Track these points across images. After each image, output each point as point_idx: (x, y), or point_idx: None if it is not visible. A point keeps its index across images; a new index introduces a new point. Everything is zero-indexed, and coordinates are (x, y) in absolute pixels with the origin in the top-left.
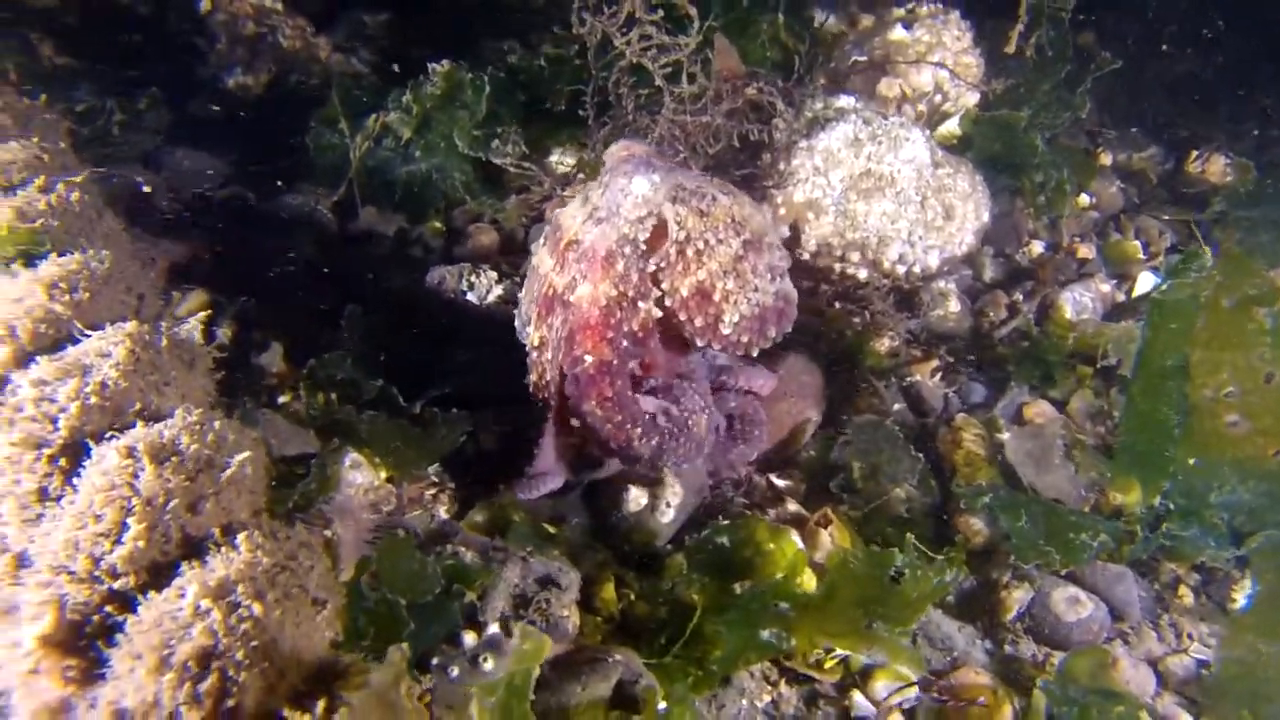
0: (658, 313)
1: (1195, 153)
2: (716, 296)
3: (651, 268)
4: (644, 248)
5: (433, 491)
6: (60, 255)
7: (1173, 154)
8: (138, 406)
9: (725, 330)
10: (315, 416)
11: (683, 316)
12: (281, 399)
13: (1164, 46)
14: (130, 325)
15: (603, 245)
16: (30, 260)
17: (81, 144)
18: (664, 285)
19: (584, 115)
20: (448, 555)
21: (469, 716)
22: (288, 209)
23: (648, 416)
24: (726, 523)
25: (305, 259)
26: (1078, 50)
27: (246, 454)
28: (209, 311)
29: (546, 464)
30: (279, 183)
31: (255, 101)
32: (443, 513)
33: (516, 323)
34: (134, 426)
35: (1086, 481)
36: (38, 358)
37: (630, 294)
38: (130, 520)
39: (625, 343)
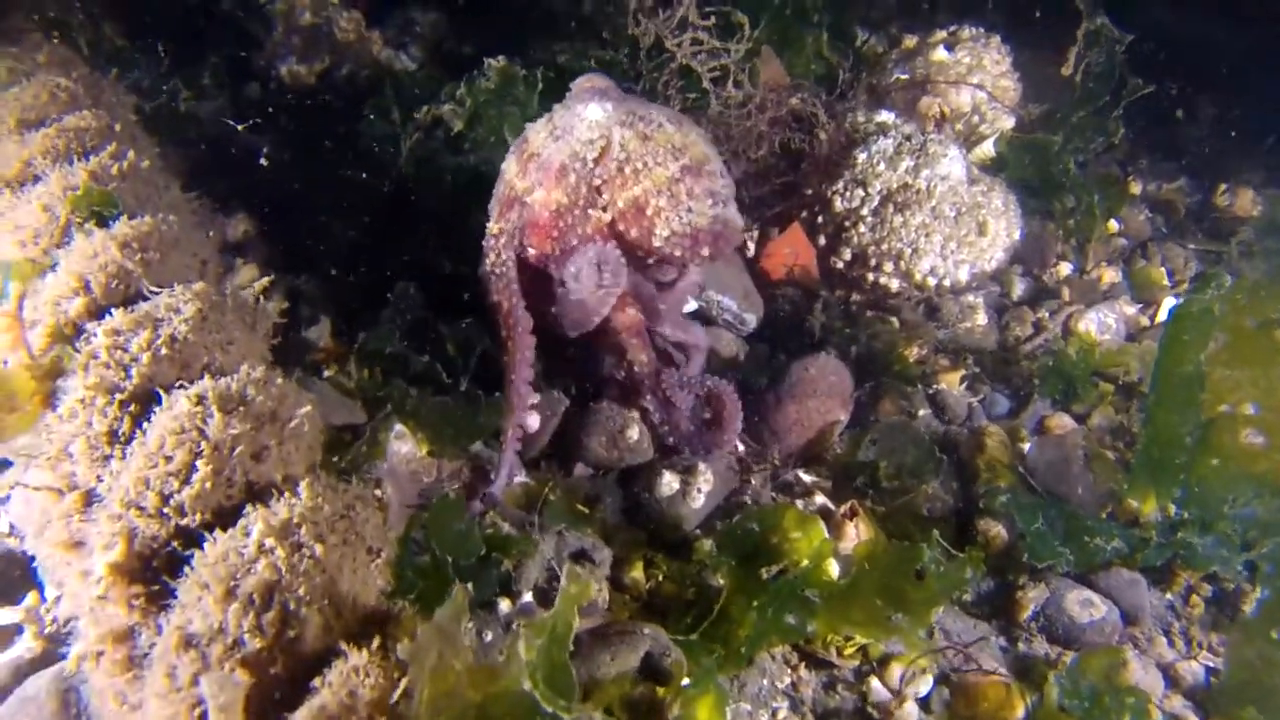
0: (607, 219)
1: (1224, 185)
2: (649, 211)
3: (598, 182)
4: (593, 165)
5: (471, 469)
6: (132, 218)
7: (1202, 186)
8: (204, 361)
9: (656, 242)
10: (365, 388)
11: (620, 227)
12: (327, 373)
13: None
14: (198, 285)
15: (557, 159)
16: (104, 220)
17: (146, 120)
18: (604, 197)
19: None
20: (487, 524)
21: (515, 652)
22: (337, 193)
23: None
24: (757, 509)
25: (352, 240)
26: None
27: (307, 409)
28: (267, 281)
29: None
30: (329, 169)
31: (308, 90)
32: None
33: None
34: (201, 379)
35: (1104, 491)
36: (112, 310)
37: (580, 203)
38: (199, 463)
39: (575, 241)
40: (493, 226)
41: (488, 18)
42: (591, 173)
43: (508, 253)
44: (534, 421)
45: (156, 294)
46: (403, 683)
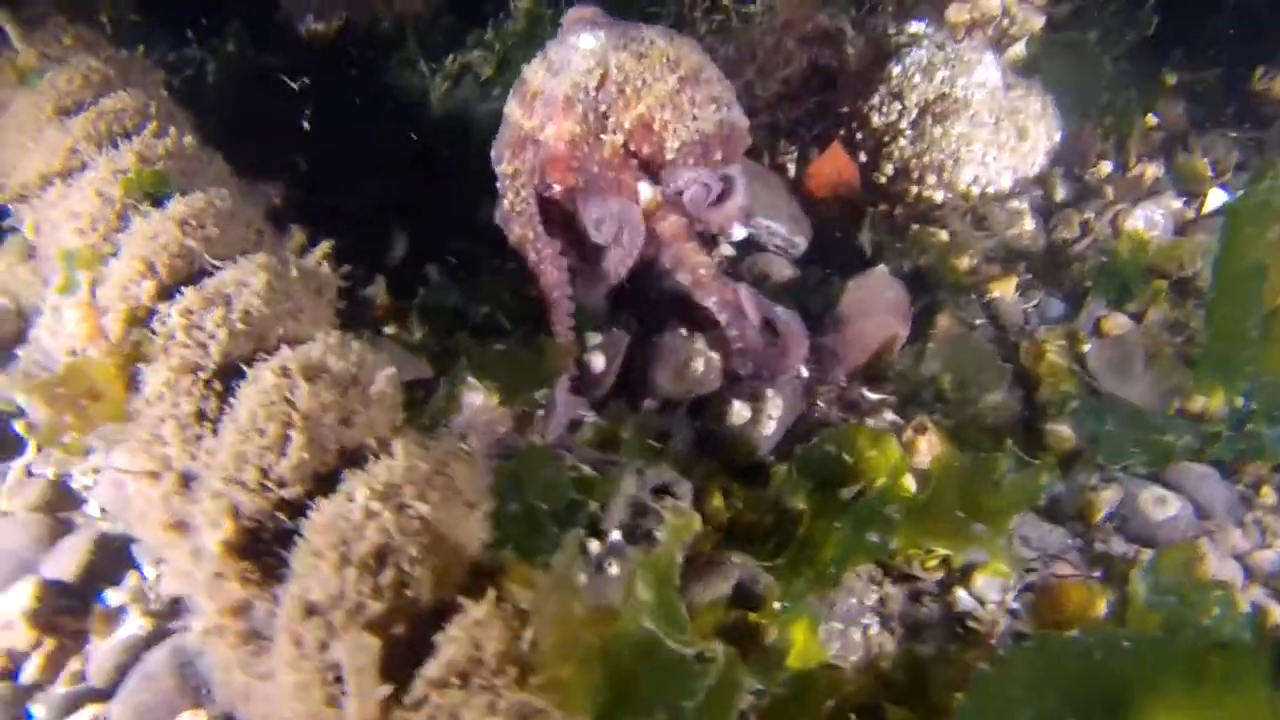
0: (622, 142)
1: (1261, 69)
2: (656, 126)
3: (603, 108)
4: (595, 92)
5: (542, 413)
6: (184, 195)
7: (1238, 71)
8: (279, 331)
9: (670, 155)
10: (428, 344)
11: (632, 146)
12: (388, 329)
13: None
14: (261, 255)
15: (560, 92)
16: (158, 200)
17: (176, 94)
18: (611, 121)
19: None
20: (569, 467)
21: (634, 593)
22: (368, 149)
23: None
24: (830, 430)
25: (391, 196)
26: None
27: (390, 371)
28: (327, 246)
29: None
30: (359, 127)
31: (329, 49)
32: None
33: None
34: (279, 350)
35: (1168, 388)
36: (181, 289)
37: (592, 129)
38: (292, 433)
39: (595, 168)
40: (505, 168)
41: None
42: (595, 100)
43: (526, 190)
44: (599, 361)
45: (220, 269)
46: (527, 632)
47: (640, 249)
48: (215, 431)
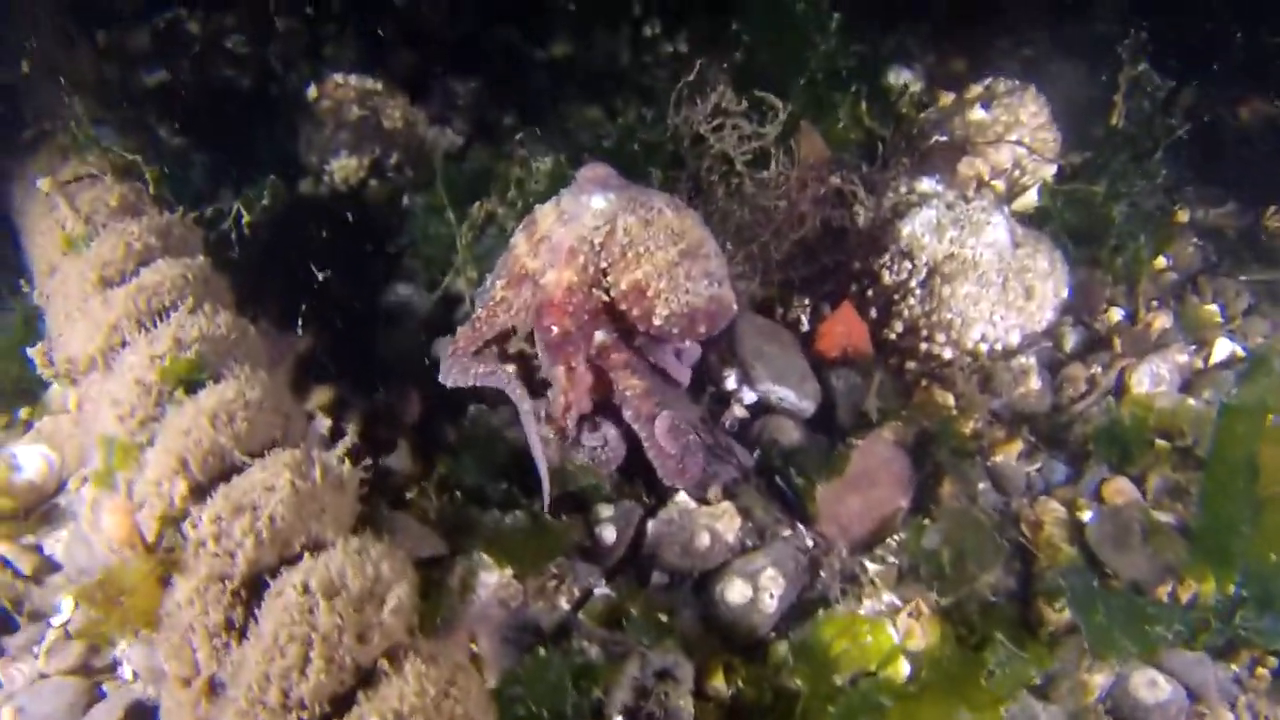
0: (605, 297)
1: (1274, 207)
2: (650, 293)
3: (603, 264)
4: (599, 248)
5: (554, 583)
6: (216, 381)
7: (1251, 209)
8: (302, 538)
9: (657, 321)
10: (445, 517)
11: (623, 306)
12: (410, 495)
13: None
14: (287, 455)
15: (567, 242)
16: (190, 387)
17: (212, 247)
18: (609, 279)
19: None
20: (575, 653)
21: None
22: (398, 300)
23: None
24: (827, 617)
25: (418, 350)
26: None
27: (404, 587)
28: (355, 433)
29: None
30: (384, 270)
31: (358, 185)
32: (563, 603)
33: (483, 287)
34: (301, 558)
35: (1165, 564)
36: (213, 492)
37: (588, 282)
38: (312, 654)
39: (585, 317)
40: (496, 292)
41: (525, 81)
42: (598, 255)
43: (503, 316)
44: (610, 534)
45: (249, 465)
46: None
47: (620, 459)
48: (241, 640)
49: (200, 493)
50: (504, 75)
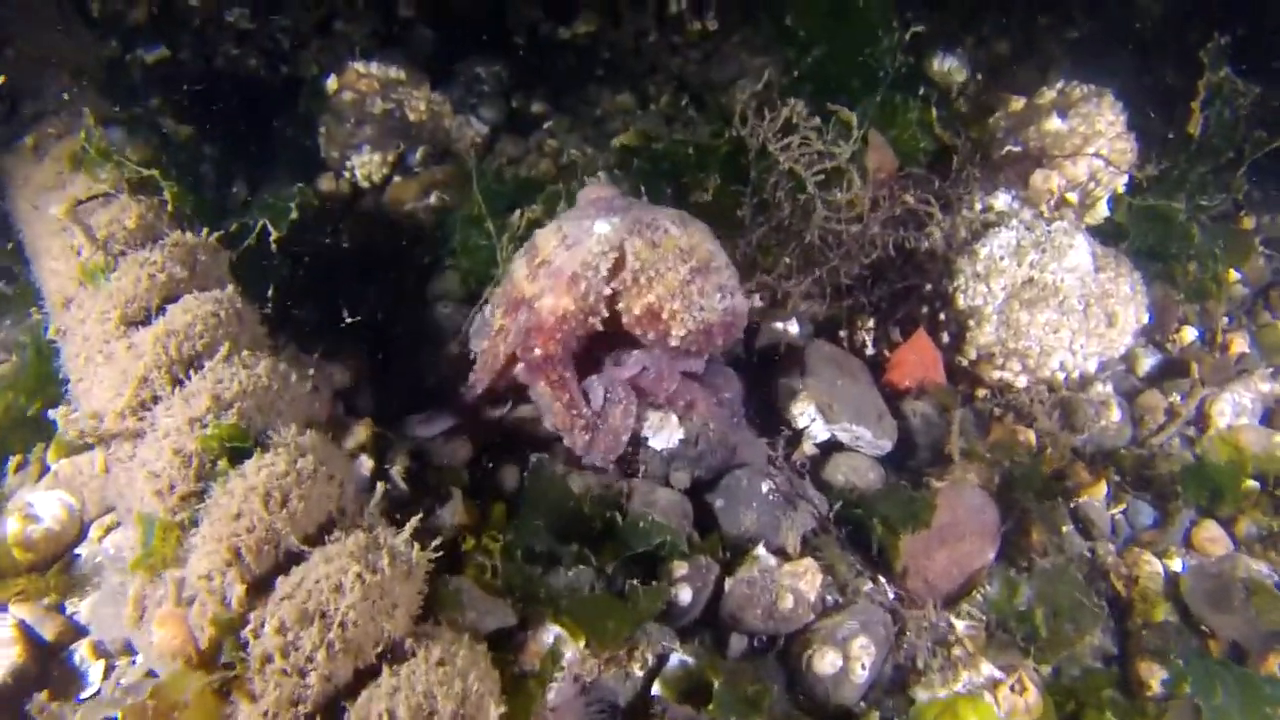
0: (600, 326)
1: None
2: (664, 315)
3: (609, 291)
4: (606, 274)
5: (626, 651)
6: (261, 445)
7: None
8: (375, 641)
9: (673, 342)
10: (513, 585)
11: (638, 331)
12: (465, 547)
13: None
14: (351, 543)
15: (569, 268)
16: (235, 456)
17: (237, 267)
18: (620, 305)
19: (736, 211)
20: None
21: None
22: (440, 317)
23: (587, 409)
24: (928, 704)
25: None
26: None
27: (492, 699)
28: (417, 521)
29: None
30: (423, 287)
31: (381, 182)
32: (637, 670)
33: (481, 316)
34: (378, 669)
35: (1270, 628)
36: (274, 594)
37: (587, 309)
38: None
39: (572, 342)
40: (496, 321)
41: (550, 63)
42: (604, 282)
43: (505, 350)
44: (685, 595)
45: (308, 552)
46: None
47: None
48: None
49: (257, 589)
50: (529, 57)
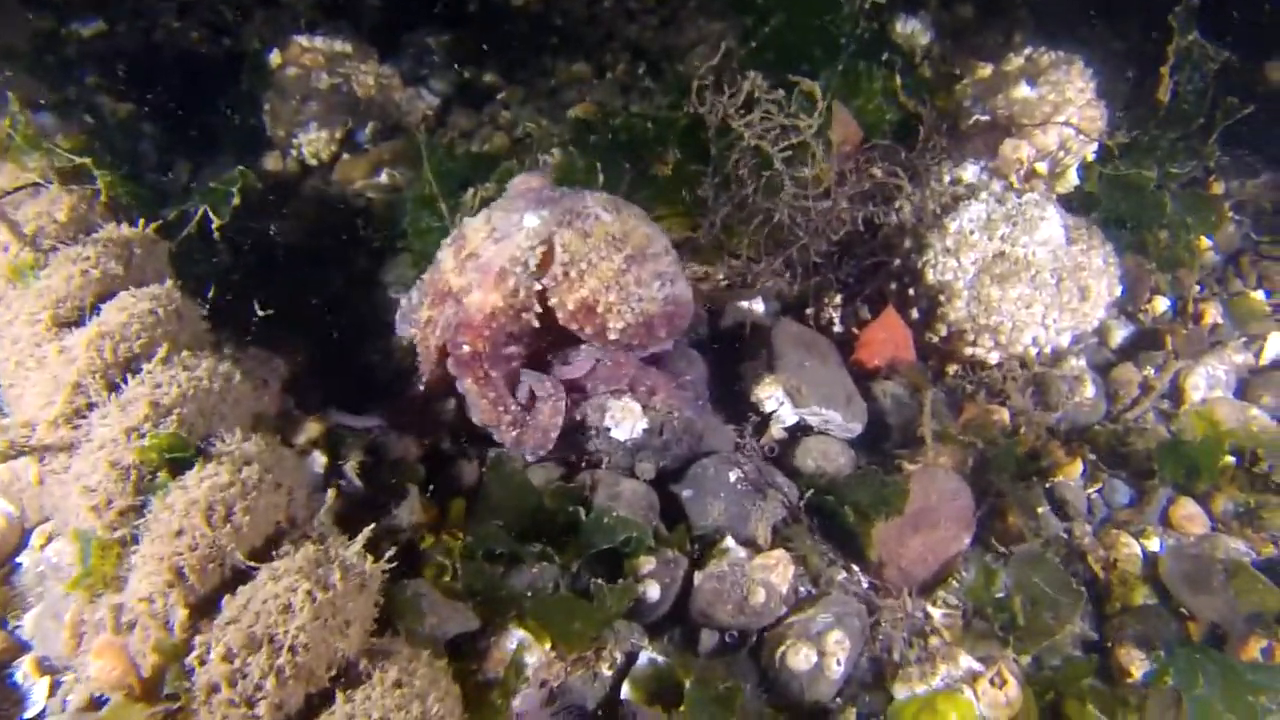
0: (535, 322)
1: None
2: (600, 309)
3: (538, 286)
4: (535, 269)
5: (593, 651)
6: (203, 454)
7: None
8: (327, 665)
9: (612, 336)
10: (474, 589)
11: (574, 327)
12: (423, 545)
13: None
14: (300, 558)
15: (496, 263)
16: (175, 466)
17: (176, 259)
18: (552, 301)
19: (698, 188)
20: None
21: None
22: (392, 303)
23: (514, 404)
24: (906, 703)
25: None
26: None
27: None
28: (369, 532)
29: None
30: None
31: (329, 160)
32: (605, 669)
33: (407, 300)
34: (331, 695)
35: (1249, 611)
36: (220, 617)
37: (517, 306)
38: None
39: (502, 339)
40: (423, 314)
41: (501, 32)
42: (533, 277)
43: (435, 341)
44: (654, 592)
45: (255, 569)
46: None
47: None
48: None
49: (202, 610)
50: (480, 26)
